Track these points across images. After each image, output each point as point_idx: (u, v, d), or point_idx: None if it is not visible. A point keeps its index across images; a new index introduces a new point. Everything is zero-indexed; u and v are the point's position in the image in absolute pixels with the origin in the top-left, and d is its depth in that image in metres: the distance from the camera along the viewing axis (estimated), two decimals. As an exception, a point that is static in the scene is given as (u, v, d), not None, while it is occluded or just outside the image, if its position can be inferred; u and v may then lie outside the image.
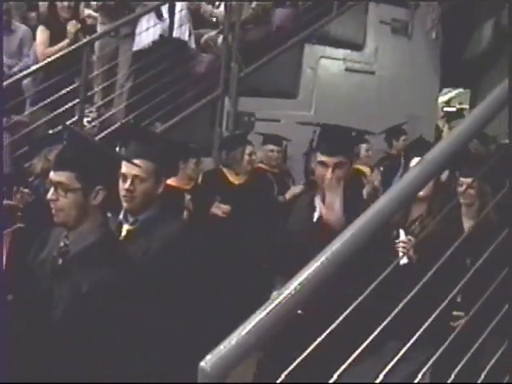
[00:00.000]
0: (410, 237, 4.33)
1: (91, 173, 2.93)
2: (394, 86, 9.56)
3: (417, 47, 10.09)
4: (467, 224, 4.80)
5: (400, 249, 4.26)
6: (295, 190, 7.17)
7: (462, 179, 5.04)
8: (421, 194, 4.28)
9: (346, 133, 4.26)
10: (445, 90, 15.51)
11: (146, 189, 3.53)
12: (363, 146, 7.93)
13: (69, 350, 2.71)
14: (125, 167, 3.45)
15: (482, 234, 2.72)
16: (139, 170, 3.48)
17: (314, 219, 3.86)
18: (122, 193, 3.51)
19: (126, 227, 3.57)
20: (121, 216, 3.60)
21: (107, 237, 3.03)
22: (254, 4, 8.61)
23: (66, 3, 7.28)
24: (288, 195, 7.15)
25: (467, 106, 14.80)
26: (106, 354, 2.73)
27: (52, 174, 2.97)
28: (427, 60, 10.27)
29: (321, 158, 3.86)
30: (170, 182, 6.57)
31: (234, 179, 6.85)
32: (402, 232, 4.37)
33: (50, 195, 2.94)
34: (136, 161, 3.43)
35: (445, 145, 2.29)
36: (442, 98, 16.42)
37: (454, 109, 17.29)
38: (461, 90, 16.06)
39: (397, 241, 4.31)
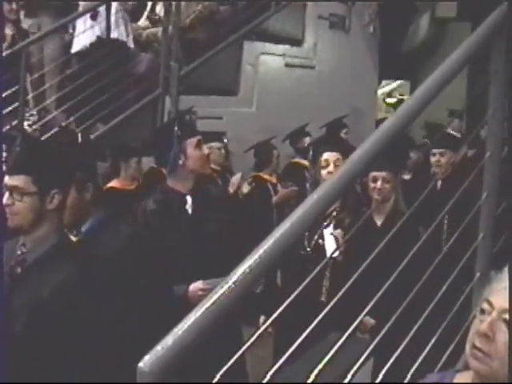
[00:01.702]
0: (339, 230, 4.19)
1: (47, 176, 2.87)
2: (334, 80, 9.65)
3: (355, 41, 10.19)
4: (379, 221, 4.67)
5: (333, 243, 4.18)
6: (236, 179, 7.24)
7: (375, 173, 4.67)
8: None
9: None
10: (385, 82, 15.69)
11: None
12: (306, 140, 8.01)
13: (32, 359, 2.69)
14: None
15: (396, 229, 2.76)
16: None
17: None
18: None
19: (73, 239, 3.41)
20: None
21: (65, 241, 2.99)
22: (199, 6, 8.60)
23: (14, 6, 7.20)
24: (231, 188, 7.18)
25: (408, 97, 15.00)
26: (71, 360, 2.70)
27: (7, 179, 2.89)
28: (366, 53, 10.38)
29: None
30: (113, 183, 6.60)
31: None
32: (330, 226, 4.27)
33: (5, 200, 2.86)
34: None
35: (369, 144, 2.36)
36: (384, 90, 16.62)
37: (395, 100, 17.53)
38: (401, 81, 16.27)
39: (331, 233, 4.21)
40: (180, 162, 3.93)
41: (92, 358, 2.70)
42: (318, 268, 2.22)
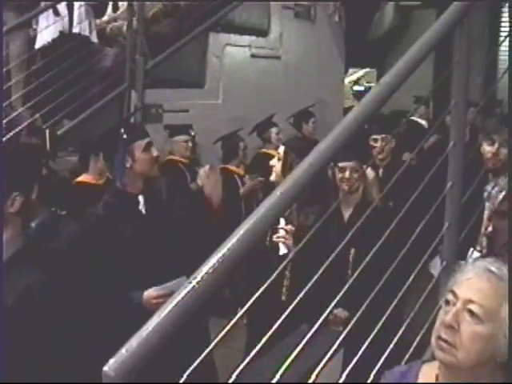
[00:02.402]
0: (290, 226, 4.15)
1: (7, 179, 2.78)
2: (300, 70, 9.67)
3: (321, 31, 10.21)
4: (347, 213, 4.58)
5: (280, 238, 4.13)
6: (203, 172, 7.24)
7: (343, 164, 4.54)
8: None
9: None
10: (352, 70, 15.75)
11: None
12: (273, 130, 8.03)
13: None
14: None
15: (367, 220, 2.76)
16: None
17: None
18: None
19: None
20: None
21: (29, 245, 2.87)
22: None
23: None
24: (199, 181, 7.19)
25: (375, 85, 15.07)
26: (38, 367, 2.67)
27: None
28: (332, 43, 10.41)
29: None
30: (82, 178, 6.58)
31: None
32: (282, 220, 4.17)
33: None
34: None
35: (335, 134, 2.37)
36: (351, 78, 16.67)
37: (362, 88, 17.60)
38: (368, 69, 16.34)
39: (278, 227, 4.15)
40: (127, 164, 3.90)
41: (58, 363, 2.68)
42: (276, 272, 2.20)
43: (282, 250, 4.11)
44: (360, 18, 11.00)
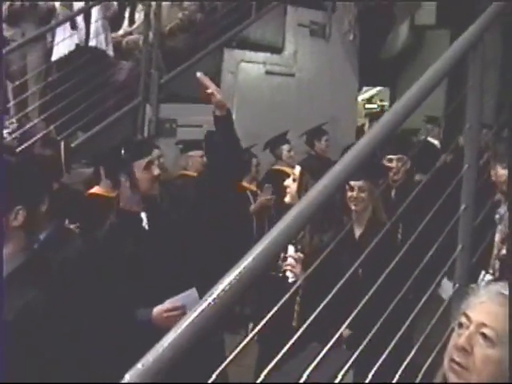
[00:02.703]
0: (299, 253, 4.06)
1: (9, 192, 2.70)
2: (314, 88, 9.69)
3: (335, 49, 10.24)
4: (359, 230, 4.63)
5: (287, 266, 4.05)
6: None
7: (352, 182, 4.61)
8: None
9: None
10: (365, 88, 15.78)
11: None
12: (284, 147, 8.04)
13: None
14: None
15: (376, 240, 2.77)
16: None
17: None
18: None
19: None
20: None
21: (32, 260, 2.77)
22: (180, 14, 8.61)
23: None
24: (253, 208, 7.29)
25: (388, 103, 15.12)
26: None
27: None
28: (345, 61, 10.43)
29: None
30: (95, 190, 6.61)
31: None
32: (290, 247, 4.10)
33: None
34: None
35: (350, 156, 2.39)
36: (364, 96, 16.72)
37: (375, 106, 17.65)
38: (381, 88, 16.39)
39: (286, 256, 4.06)
40: (127, 184, 3.86)
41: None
42: (284, 298, 2.22)
43: (291, 278, 4.04)
44: (374, 36, 11.03)
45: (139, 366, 1.70)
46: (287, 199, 4.34)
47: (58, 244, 3.37)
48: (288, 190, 4.34)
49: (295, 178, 4.28)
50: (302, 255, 4.03)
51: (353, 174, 2.48)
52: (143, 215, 3.91)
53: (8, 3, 8.04)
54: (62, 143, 6.68)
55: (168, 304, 3.67)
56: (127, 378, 1.69)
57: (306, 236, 4.14)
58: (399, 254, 2.80)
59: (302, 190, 4.18)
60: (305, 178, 4.23)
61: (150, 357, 1.72)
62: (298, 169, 4.33)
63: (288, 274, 4.03)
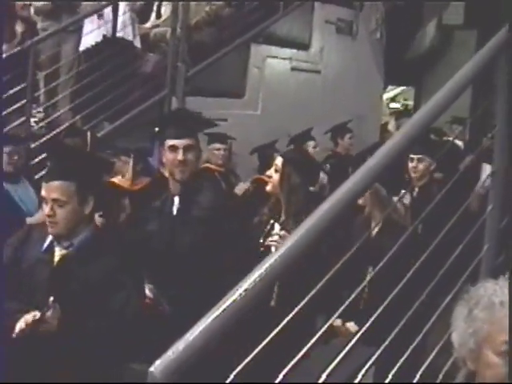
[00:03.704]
0: (284, 232, 4.09)
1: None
2: (339, 85, 9.69)
3: (361, 47, 10.24)
4: (376, 227, 4.65)
5: (273, 243, 4.07)
6: (242, 186, 7.20)
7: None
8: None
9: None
10: (390, 87, 15.73)
11: (67, 212, 3.23)
12: (310, 144, 8.03)
13: None
14: (44, 190, 3.27)
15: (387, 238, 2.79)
16: (58, 194, 3.22)
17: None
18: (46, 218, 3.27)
19: (59, 252, 3.29)
20: (49, 239, 3.33)
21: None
22: (207, 8, 8.64)
23: (27, 2, 7.26)
24: (237, 191, 7.19)
25: (412, 102, 15.07)
26: None
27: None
28: (371, 59, 10.42)
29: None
30: (115, 179, 6.66)
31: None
32: (276, 225, 4.19)
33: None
34: (55, 183, 3.23)
35: (384, 151, 2.40)
36: (388, 95, 16.65)
37: (399, 105, 17.58)
38: (405, 87, 16.32)
39: (272, 233, 4.14)
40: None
41: None
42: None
43: None
44: (401, 35, 11.01)
45: (169, 353, 1.74)
46: (269, 188, 4.39)
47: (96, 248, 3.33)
48: (270, 180, 4.39)
49: (277, 168, 4.29)
50: (286, 234, 4.02)
51: (379, 176, 2.48)
52: (176, 199, 4.00)
53: None
54: (89, 133, 6.76)
55: None
56: (157, 363, 1.72)
57: (288, 221, 4.20)
58: (418, 256, 2.81)
59: (283, 180, 4.24)
60: (287, 170, 4.25)
61: (180, 345, 1.75)
62: (279, 160, 4.36)
63: (272, 250, 4.03)
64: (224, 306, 1.84)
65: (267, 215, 4.35)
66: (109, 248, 3.31)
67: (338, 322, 4.22)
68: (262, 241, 4.17)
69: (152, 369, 1.72)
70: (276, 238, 4.08)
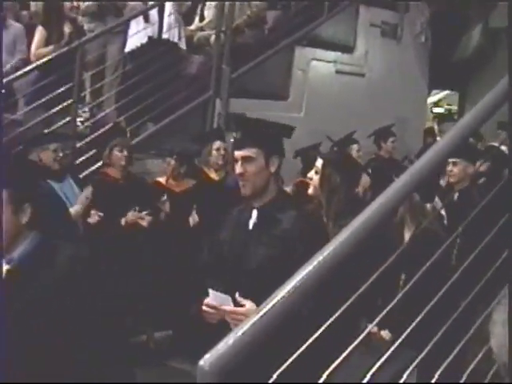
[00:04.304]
0: None
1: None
2: (383, 88, 9.65)
3: (406, 50, 10.19)
4: (408, 234, 4.69)
5: None
6: (286, 189, 7.19)
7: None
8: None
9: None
10: (434, 91, 15.62)
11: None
12: (354, 147, 8.02)
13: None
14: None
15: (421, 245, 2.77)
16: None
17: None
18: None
19: (5, 267, 2.83)
20: None
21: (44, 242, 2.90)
22: (248, 11, 8.67)
23: (75, 3, 7.35)
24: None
25: (456, 107, 14.94)
26: None
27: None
28: (416, 63, 10.37)
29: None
30: (160, 179, 6.74)
31: (214, 176, 6.94)
32: None
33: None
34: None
35: (426, 159, 2.38)
36: (432, 99, 16.53)
37: (442, 109, 17.45)
38: (449, 91, 16.18)
39: None
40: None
41: None
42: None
43: None
44: (446, 39, 10.93)
45: (219, 347, 1.75)
46: (310, 191, 4.36)
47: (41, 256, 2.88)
48: (311, 182, 4.36)
49: (318, 170, 4.27)
50: None
51: (423, 182, 2.46)
52: (254, 212, 3.64)
53: None
54: (129, 133, 6.88)
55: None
56: (207, 357, 1.73)
57: (329, 223, 4.16)
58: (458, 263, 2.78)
59: (324, 181, 4.22)
60: (327, 171, 4.23)
61: (230, 339, 1.76)
62: (320, 162, 4.32)
63: None
64: (273, 302, 1.85)
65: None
66: (51, 262, 2.84)
67: (374, 329, 4.11)
68: None
69: (201, 362, 1.74)
70: None
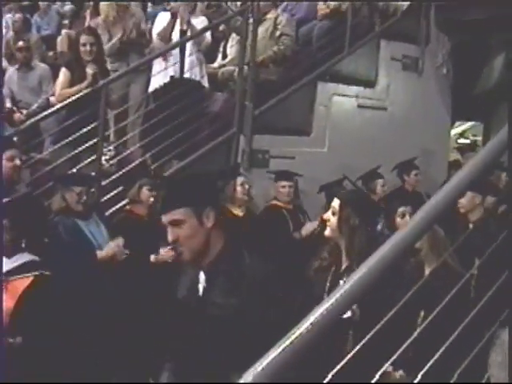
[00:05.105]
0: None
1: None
2: (406, 122, 9.65)
3: (428, 83, 10.19)
4: (428, 269, 4.60)
5: None
6: (311, 225, 7.19)
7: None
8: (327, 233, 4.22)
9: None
10: (458, 123, 15.58)
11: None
12: (379, 182, 8.03)
13: None
14: None
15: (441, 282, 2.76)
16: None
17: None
18: None
19: None
20: None
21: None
22: (275, 48, 8.74)
23: (88, 47, 7.47)
24: (304, 231, 7.18)
25: (481, 138, 14.90)
26: None
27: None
28: (438, 95, 10.36)
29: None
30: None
31: (237, 212, 6.98)
32: (342, 283, 3.90)
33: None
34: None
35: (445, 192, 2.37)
36: (456, 130, 16.50)
37: (468, 141, 17.39)
38: (474, 122, 16.15)
39: None
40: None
41: None
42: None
43: (346, 314, 3.71)
44: (468, 70, 10.93)
45: (257, 364, 1.75)
46: (327, 233, 4.26)
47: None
48: (328, 223, 4.25)
49: (335, 211, 4.19)
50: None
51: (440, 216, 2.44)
52: (201, 276, 3.28)
53: (117, 38, 8.42)
54: (153, 171, 6.93)
55: None
56: (246, 375, 1.74)
57: (355, 265, 4.01)
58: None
59: (342, 223, 4.13)
60: (345, 212, 4.14)
61: (270, 356, 1.77)
62: (337, 202, 4.24)
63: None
64: (312, 319, 1.85)
65: (327, 260, 4.25)
66: None
67: (390, 369, 3.91)
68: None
69: (242, 381, 1.74)
70: None
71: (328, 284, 4.10)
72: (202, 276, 3.19)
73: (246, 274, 3.09)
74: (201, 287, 3.17)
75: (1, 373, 2.62)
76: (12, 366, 2.72)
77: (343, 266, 4.14)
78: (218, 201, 3.38)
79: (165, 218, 3.09)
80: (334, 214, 4.20)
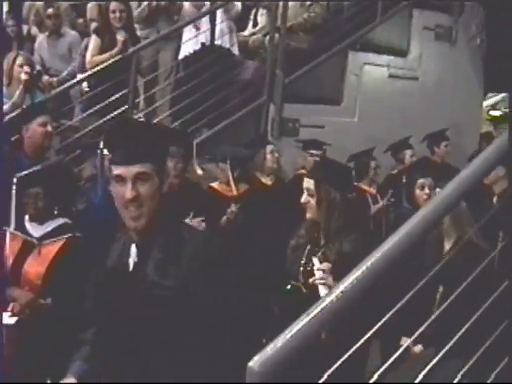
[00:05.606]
0: (326, 263, 3.68)
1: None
2: (437, 92, 9.55)
3: (460, 53, 10.07)
4: (448, 244, 4.50)
5: (319, 280, 3.62)
6: None
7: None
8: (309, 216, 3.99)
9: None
10: (490, 95, 15.41)
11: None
12: (407, 152, 7.97)
13: None
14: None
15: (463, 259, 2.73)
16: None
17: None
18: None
19: None
20: None
21: None
22: (305, 15, 8.69)
23: (117, 14, 7.46)
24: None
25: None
26: None
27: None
28: (471, 66, 10.24)
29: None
30: (214, 184, 6.75)
31: (266, 180, 6.98)
32: (315, 260, 3.76)
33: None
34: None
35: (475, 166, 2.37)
36: (488, 102, 16.33)
37: (500, 112, 17.21)
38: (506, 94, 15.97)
39: (315, 268, 3.69)
40: None
41: None
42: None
43: (323, 292, 3.61)
44: (501, 41, 10.78)
45: (268, 349, 1.78)
46: (308, 215, 4.01)
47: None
48: (308, 205, 3.98)
49: (312, 193, 3.95)
50: (329, 264, 3.68)
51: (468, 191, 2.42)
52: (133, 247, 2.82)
53: (146, 3, 8.41)
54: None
55: None
56: (256, 358, 1.77)
57: (331, 243, 3.92)
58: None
59: (322, 201, 3.93)
60: (323, 189, 3.93)
61: (279, 342, 1.79)
62: (311, 182, 3.99)
63: (320, 288, 3.64)
64: (321, 306, 1.87)
65: (304, 237, 4.09)
66: None
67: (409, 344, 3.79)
68: (301, 279, 3.93)
69: (251, 363, 1.77)
70: (320, 274, 3.66)
71: (303, 261, 3.97)
72: (133, 249, 2.75)
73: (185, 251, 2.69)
74: (131, 261, 2.74)
75: (1, 373, 2.63)
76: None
77: (321, 244, 3.99)
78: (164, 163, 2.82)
79: (127, 171, 2.61)
80: (311, 195, 3.97)
